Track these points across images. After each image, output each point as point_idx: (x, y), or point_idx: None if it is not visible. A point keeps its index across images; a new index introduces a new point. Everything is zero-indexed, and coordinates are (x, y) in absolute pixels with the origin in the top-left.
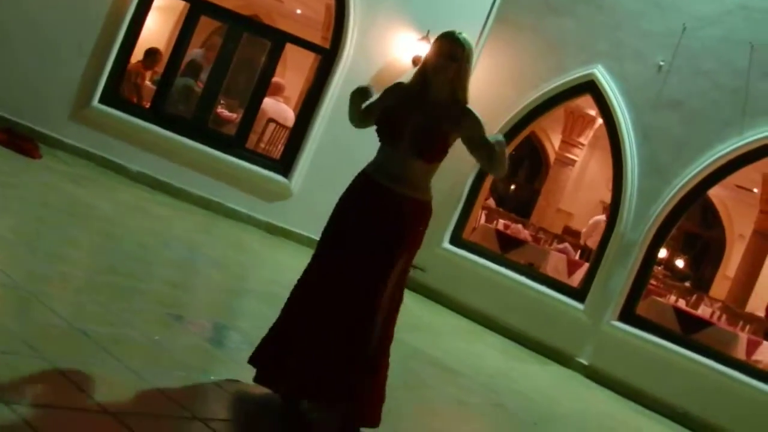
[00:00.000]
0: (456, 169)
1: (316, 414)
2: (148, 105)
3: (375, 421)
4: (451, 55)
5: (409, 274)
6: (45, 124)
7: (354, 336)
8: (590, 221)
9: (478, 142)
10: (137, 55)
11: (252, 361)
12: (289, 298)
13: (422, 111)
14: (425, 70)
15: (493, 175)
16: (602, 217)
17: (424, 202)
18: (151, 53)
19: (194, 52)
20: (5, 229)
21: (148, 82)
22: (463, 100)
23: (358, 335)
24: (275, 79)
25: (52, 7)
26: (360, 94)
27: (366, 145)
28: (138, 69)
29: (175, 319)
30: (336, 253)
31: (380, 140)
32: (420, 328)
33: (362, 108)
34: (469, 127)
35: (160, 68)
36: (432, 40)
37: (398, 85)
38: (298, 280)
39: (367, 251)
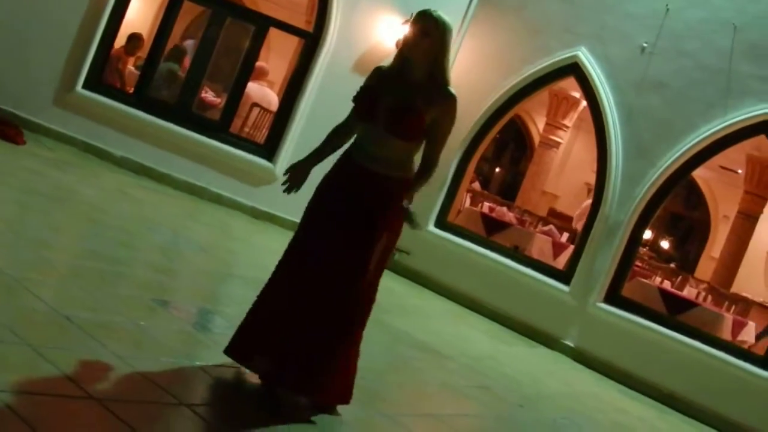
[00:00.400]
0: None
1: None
2: (131, 90)
3: (347, 398)
4: (423, 30)
5: (395, 257)
6: (29, 110)
7: (336, 316)
8: (582, 205)
9: (436, 132)
10: (120, 40)
11: (230, 349)
12: (270, 278)
13: (397, 90)
14: (402, 50)
15: (421, 174)
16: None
17: (404, 180)
18: (133, 38)
19: (187, 42)
20: None
21: (131, 68)
22: (443, 79)
23: (340, 315)
24: (259, 63)
25: None
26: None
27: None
28: (120, 54)
29: (160, 304)
30: (316, 234)
31: (358, 120)
32: (406, 311)
33: (349, 120)
34: (440, 109)
35: (144, 53)
36: None
37: (377, 69)
38: (279, 261)
39: (347, 231)
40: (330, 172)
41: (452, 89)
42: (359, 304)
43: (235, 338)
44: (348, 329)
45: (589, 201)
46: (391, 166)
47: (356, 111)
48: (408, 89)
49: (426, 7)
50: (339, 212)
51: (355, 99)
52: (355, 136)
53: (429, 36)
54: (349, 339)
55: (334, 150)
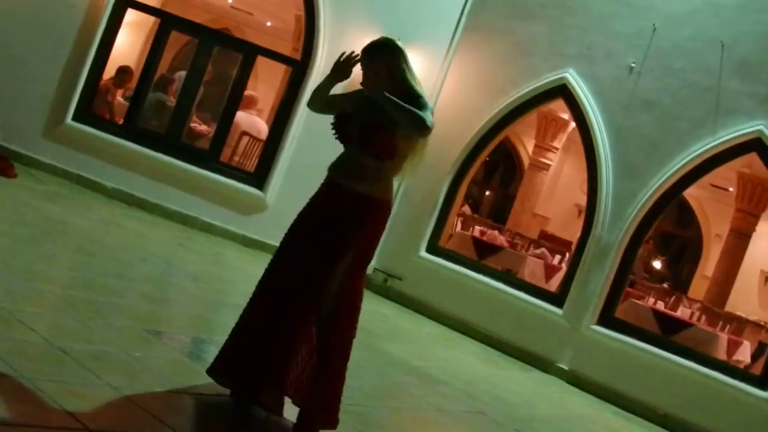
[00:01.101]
0: (430, 177)
1: (275, 416)
2: (121, 121)
3: (332, 423)
4: (367, 55)
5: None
6: (19, 143)
7: (304, 333)
8: None
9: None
10: (109, 71)
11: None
12: (249, 299)
13: (368, 110)
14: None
15: (413, 132)
16: None
17: (372, 197)
18: (122, 72)
19: (178, 74)
20: None
21: (120, 99)
22: (412, 93)
23: (298, 327)
24: (248, 92)
25: (21, 25)
26: (331, 81)
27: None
28: (108, 86)
29: (154, 334)
30: (289, 251)
31: (340, 142)
32: (399, 336)
33: (327, 96)
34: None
35: (132, 84)
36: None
37: (359, 91)
38: (258, 284)
39: (314, 247)
40: (315, 193)
41: (425, 99)
42: (326, 324)
43: (216, 359)
44: (325, 349)
45: None
46: (365, 183)
47: (335, 135)
48: (379, 108)
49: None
50: (311, 230)
51: (333, 125)
52: (337, 157)
53: (374, 60)
54: (327, 360)
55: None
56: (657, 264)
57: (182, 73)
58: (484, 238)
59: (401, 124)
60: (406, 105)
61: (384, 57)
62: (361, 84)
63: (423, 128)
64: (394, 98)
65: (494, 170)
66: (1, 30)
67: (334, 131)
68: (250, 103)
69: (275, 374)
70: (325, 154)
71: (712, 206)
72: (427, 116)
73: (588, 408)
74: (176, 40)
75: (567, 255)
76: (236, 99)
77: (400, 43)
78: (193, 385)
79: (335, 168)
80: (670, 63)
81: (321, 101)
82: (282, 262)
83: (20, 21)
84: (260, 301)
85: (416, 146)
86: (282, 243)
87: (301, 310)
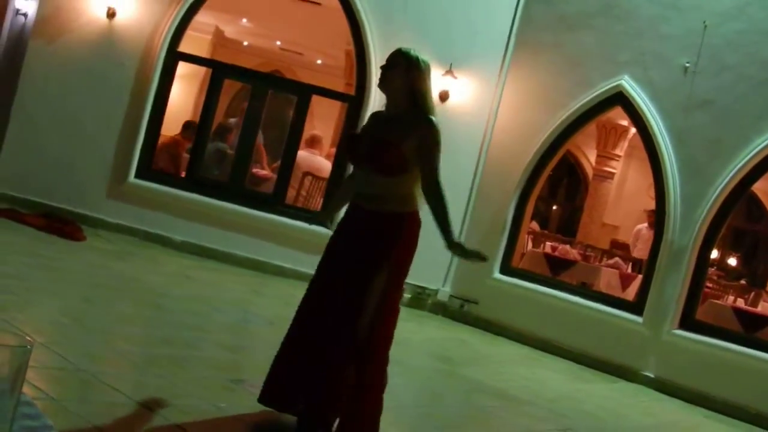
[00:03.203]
0: (496, 197)
1: None
2: (183, 174)
3: None
4: (389, 63)
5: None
6: (84, 205)
7: (336, 351)
8: (634, 230)
9: (423, 159)
10: (167, 125)
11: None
12: (289, 326)
13: (377, 128)
14: (379, 87)
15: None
16: (642, 225)
17: (400, 213)
18: (190, 125)
19: (230, 121)
20: (57, 313)
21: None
22: (424, 108)
23: (340, 350)
24: (313, 132)
25: (74, 90)
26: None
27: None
28: (178, 140)
29: (236, 383)
30: (323, 277)
31: (352, 164)
32: (479, 360)
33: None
34: (419, 136)
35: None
36: (455, 74)
37: (373, 114)
38: (296, 313)
39: (347, 270)
40: (341, 220)
41: (432, 117)
42: (365, 342)
43: (264, 387)
44: (357, 369)
45: (640, 225)
46: (383, 202)
47: (347, 157)
48: (386, 125)
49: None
50: (341, 254)
51: (344, 149)
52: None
53: (395, 67)
54: (361, 378)
55: (344, 195)
56: (732, 261)
57: (233, 120)
58: (556, 253)
59: (426, 196)
60: (433, 210)
61: (414, 67)
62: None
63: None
64: (444, 225)
65: (559, 184)
66: (55, 97)
67: (346, 154)
68: (315, 143)
69: (318, 396)
70: None
71: None
72: (439, 178)
73: (678, 414)
74: (229, 87)
75: (641, 262)
76: (295, 141)
77: (421, 56)
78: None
79: (357, 194)
80: (724, 59)
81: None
82: (317, 287)
83: (73, 86)
84: (299, 326)
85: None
86: (317, 269)
87: (340, 332)
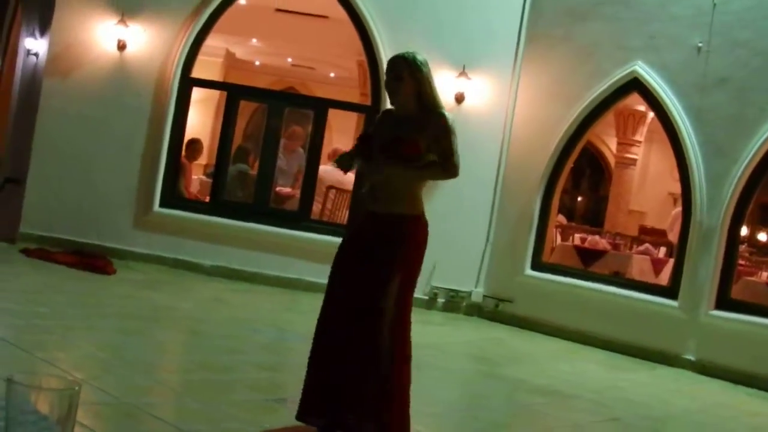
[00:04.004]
0: (521, 194)
1: None
2: (207, 198)
3: None
4: (395, 76)
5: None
6: (111, 238)
7: (361, 357)
8: (672, 213)
9: (440, 150)
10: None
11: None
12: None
13: (391, 127)
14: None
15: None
16: (679, 209)
17: (408, 215)
18: (192, 144)
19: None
20: (94, 348)
21: (203, 176)
22: (434, 106)
23: (365, 356)
24: (335, 146)
25: (92, 124)
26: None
27: (428, 198)
28: (182, 162)
29: (277, 402)
30: (338, 283)
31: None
32: (519, 359)
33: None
34: (434, 129)
35: (211, 160)
36: (469, 75)
37: (384, 112)
38: (316, 325)
39: (362, 274)
40: (352, 227)
41: (443, 110)
42: (386, 344)
43: (300, 404)
44: (381, 371)
45: (678, 209)
46: (395, 203)
47: (360, 157)
48: (399, 125)
49: (398, 53)
50: (355, 258)
51: (358, 151)
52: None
53: (402, 80)
54: (386, 380)
55: None
56: (762, 236)
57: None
58: (586, 244)
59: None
60: (436, 167)
61: (418, 73)
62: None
63: (455, 176)
64: (426, 167)
65: (582, 175)
66: (74, 133)
67: (358, 153)
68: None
69: (348, 404)
70: None
71: None
72: (457, 161)
73: (722, 395)
74: (246, 107)
75: (671, 245)
76: (316, 155)
77: (419, 57)
78: None
79: (368, 195)
80: (736, 36)
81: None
82: (333, 298)
83: (90, 121)
84: (321, 340)
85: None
86: (330, 281)
87: (362, 339)
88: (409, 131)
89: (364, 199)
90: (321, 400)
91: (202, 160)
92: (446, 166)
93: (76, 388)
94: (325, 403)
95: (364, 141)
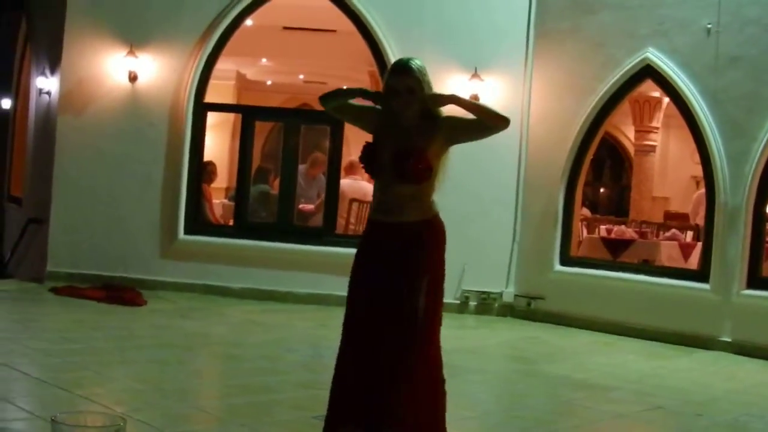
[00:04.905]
0: (543, 191)
1: None
2: (231, 222)
3: None
4: (409, 89)
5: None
6: (139, 269)
7: (400, 370)
8: (693, 197)
9: (465, 123)
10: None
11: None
12: (337, 355)
13: (395, 137)
14: (390, 105)
15: (497, 130)
16: (701, 192)
17: (424, 221)
18: (205, 167)
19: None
20: (131, 380)
21: (225, 200)
22: (437, 114)
23: (404, 368)
24: (350, 158)
25: (109, 158)
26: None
27: (447, 202)
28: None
29: (320, 419)
30: (363, 299)
31: (369, 175)
32: (556, 355)
33: (347, 102)
34: (446, 127)
35: (230, 182)
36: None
37: (378, 112)
38: (341, 335)
39: (390, 287)
40: (360, 242)
41: (442, 114)
42: (421, 353)
43: (326, 418)
44: (420, 378)
45: (701, 191)
46: (411, 211)
47: (366, 170)
48: (406, 132)
49: (402, 58)
50: (377, 273)
51: (361, 159)
52: (372, 197)
53: (415, 92)
54: (424, 388)
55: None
56: None
57: (301, 167)
58: (612, 235)
59: (488, 125)
60: (486, 105)
61: (425, 81)
62: (385, 103)
63: (506, 122)
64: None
65: (602, 166)
66: (93, 168)
67: (365, 166)
68: (354, 169)
69: (387, 417)
70: (440, 203)
71: None
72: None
73: (762, 374)
74: (261, 128)
75: (697, 228)
76: (335, 169)
77: (420, 63)
78: None
79: (380, 208)
80: (745, 13)
81: (340, 104)
82: (360, 311)
83: (108, 154)
84: (349, 354)
85: (444, 161)
86: (351, 295)
87: (400, 354)
88: (417, 141)
89: (373, 211)
90: (354, 415)
91: (222, 183)
92: (489, 121)
93: (121, 423)
94: (360, 418)
95: (371, 152)
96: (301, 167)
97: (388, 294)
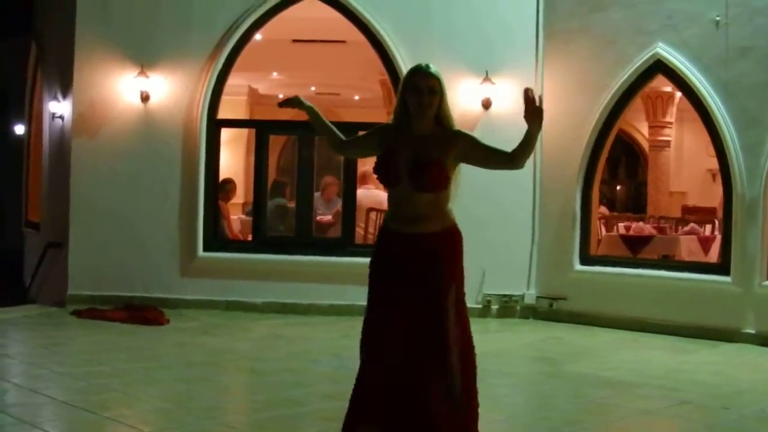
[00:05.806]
0: (560, 191)
1: None
2: (249, 237)
3: None
4: (431, 89)
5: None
6: (160, 289)
7: (434, 381)
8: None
9: (483, 148)
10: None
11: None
12: (360, 365)
13: (411, 146)
14: (407, 108)
15: (513, 168)
16: None
17: (443, 230)
18: (224, 184)
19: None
20: (158, 399)
21: (243, 216)
22: (449, 126)
23: (439, 379)
24: (363, 168)
25: (125, 179)
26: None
27: (464, 208)
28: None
29: None
30: (386, 311)
31: (384, 186)
32: (581, 354)
33: (345, 141)
34: (461, 146)
35: (246, 197)
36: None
37: (386, 128)
38: (361, 346)
39: (415, 298)
40: (375, 251)
41: (458, 128)
42: (452, 362)
43: (344, 423)
44: (454, 391)
45: None
46: (429, 222)
47: (381, 180)
48: (422, 142)
49: (419, 63)
50: (400, 284)
51: (376, 170)
52: (387, 206)
53: (436, 93)
54: (458, 399)
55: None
56: None
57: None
58: (631, 232)
59: (513, 162)
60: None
61: (443, 86)
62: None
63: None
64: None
65: (618, 164)
66: (109, 189)
67: (379, 177)
68: (368, 178)
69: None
70: (457, 209)
71: None
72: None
73: None
74: (275, 141)
75: (716, 222)
76: (351, 181)
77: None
78: None
79: (396, 218)
80: (754, 4)
81: (334, 144)
82: (385, 322)
83: (123, 175)
84: (373, 364)
85: (457, 174)
86: (373, 306)
87: (433, 365)
88: (433, 150)
89: (388, 221)
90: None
91: (238, 199)
92: (511, 159)
93: None
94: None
95: (388, 162)
96: (316, 195)
97: (415, 305)
